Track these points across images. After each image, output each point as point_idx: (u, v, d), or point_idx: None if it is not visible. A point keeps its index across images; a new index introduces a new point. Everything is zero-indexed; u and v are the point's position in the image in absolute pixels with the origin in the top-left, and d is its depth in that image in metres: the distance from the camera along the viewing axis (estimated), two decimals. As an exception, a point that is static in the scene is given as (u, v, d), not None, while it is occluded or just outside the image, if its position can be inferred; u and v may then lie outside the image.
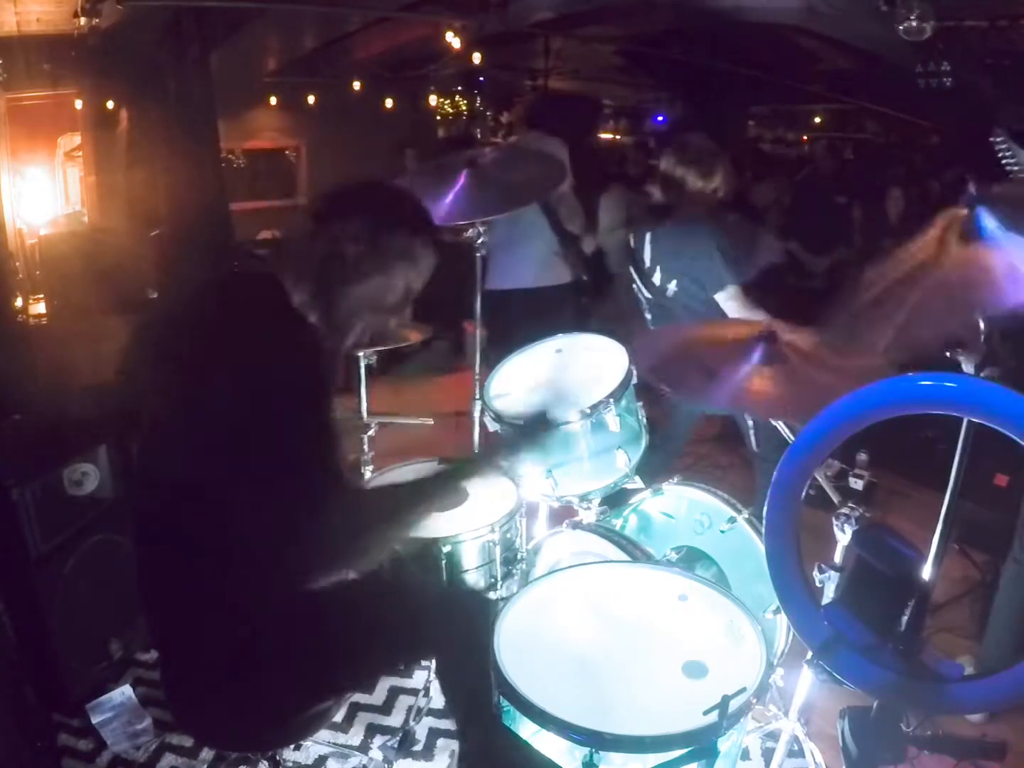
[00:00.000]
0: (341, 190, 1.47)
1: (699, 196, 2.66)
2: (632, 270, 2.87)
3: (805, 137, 10.41)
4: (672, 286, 2.69)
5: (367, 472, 2.86)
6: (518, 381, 2.43)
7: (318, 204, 1.45)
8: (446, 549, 1.96)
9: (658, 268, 2.73)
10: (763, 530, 1.34)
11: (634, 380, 2.20)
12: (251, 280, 1.44)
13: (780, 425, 1.97)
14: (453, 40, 5.73)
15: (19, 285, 5.20)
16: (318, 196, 1.49)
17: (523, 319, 3.28)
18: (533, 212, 3.43)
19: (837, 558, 1.57)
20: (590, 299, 3.63)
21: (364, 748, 2.20)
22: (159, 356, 1.40)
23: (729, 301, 2.61)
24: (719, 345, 1.80)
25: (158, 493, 1.38)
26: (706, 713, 1.31)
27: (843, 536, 1.50)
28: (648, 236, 2.76)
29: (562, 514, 2.37)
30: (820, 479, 1.64)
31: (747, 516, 2.10)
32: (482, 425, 2.41)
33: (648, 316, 2.91)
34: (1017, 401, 1.04)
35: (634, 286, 2.92)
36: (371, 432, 2.92)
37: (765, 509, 1.32)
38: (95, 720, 2.22)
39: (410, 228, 1.46)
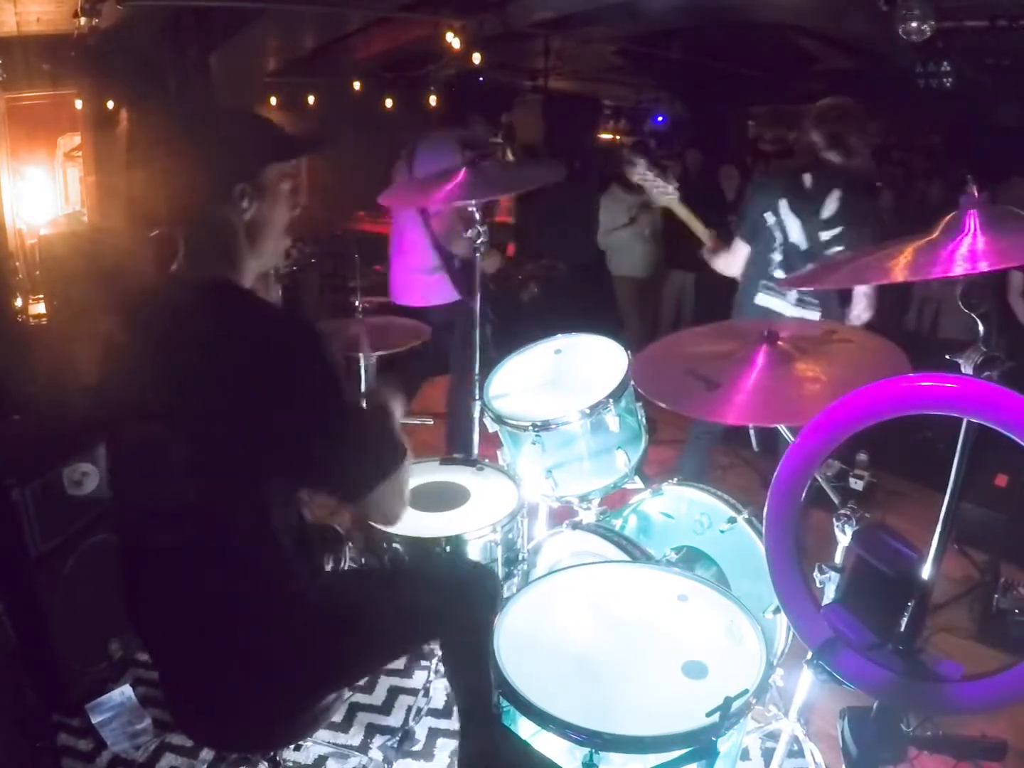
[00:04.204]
0: (200, 183, 1.38)
1: (871, 165, 2.69)
2: (792, 208, 2.71)
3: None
4: (836, 249, 2.63)
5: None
6: (517, 381, 2.43)
7: (202, 193, 1.38)
8: (448, 549, 1.96)
9: (839, 228, 2.63)
10: (763, 530, 1.34)
11: (633, 380, 2.20)
12: (214, 287, 1.38)
13: (780, 425, 1.97)
14: (453, 40, 5.74)
15: (19, 285, 5.19)
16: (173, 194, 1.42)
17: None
18: (414, 228, 3.37)
19: (837, 558, 1.57)
20: (495, 326, 3.53)
21: (364, 748, 2.21)
22: (146, 373, 1.34)
23: (864, 289, 2.59)
24: (719, 355, 1.79)
25: (154, 499, 1.37)
26: (709, 715, 1.31)
27: (843, 536, 1.50)
28: (838, 194, 2.63)
29: (562, 514, 2.38)
30: (820, 479, 1.64)
31: (747, 516, 2.10)
32: (482, 425, 2.41)
33: (777, 257, 2.76)
34: (1017, 401, 1.04)
35: (771, 218, 2.74)
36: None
37: (765, 509, 1.32)
38: (95, 720, 2.22)
39: (273, 153, 1.43)
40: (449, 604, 1.57)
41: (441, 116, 3.61)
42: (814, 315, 2.71)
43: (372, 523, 1.59)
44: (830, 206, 2.64)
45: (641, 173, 2.93)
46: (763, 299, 2.82)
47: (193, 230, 1.41)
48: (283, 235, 1.48)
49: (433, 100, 7.84)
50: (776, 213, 2.74)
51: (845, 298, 2.67)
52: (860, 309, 2.65)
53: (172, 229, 1.43)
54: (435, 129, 3.50)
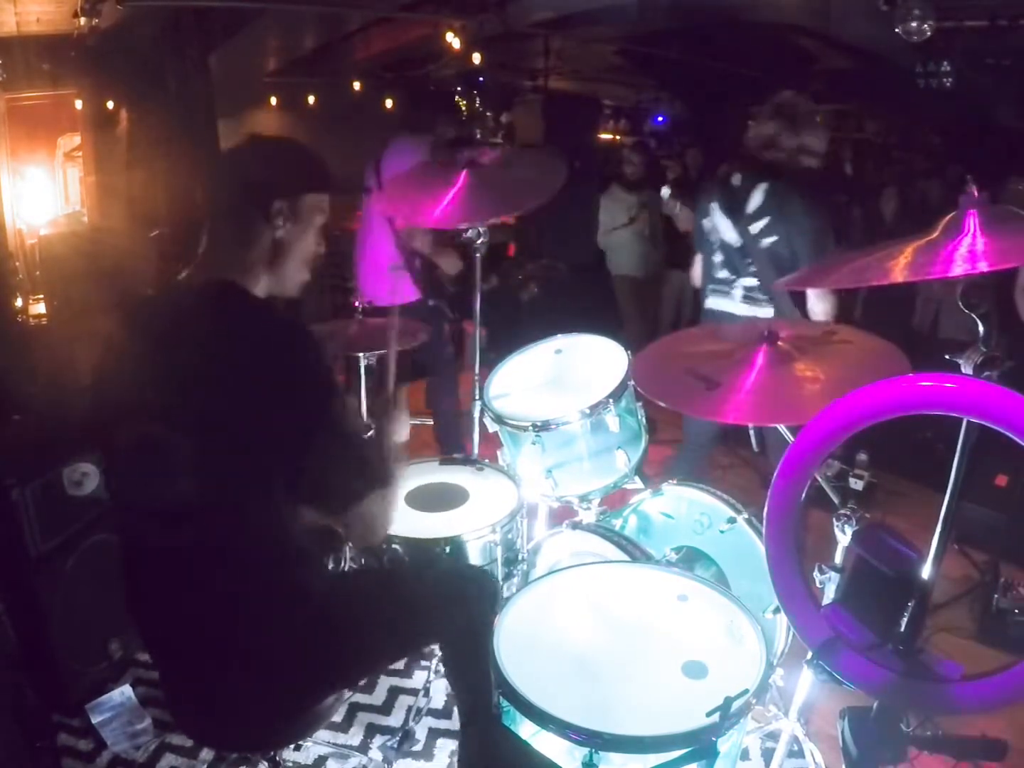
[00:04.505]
0: (246, 185, 1.44)
1: (813, 162, 2.67)
2: (721, 208, 2.75)
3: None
4: (769, 240, 2.63)
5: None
6: (518, 382, 2.43)
7: (240, 201, 1.44)
8: (448, 549, 1.96)
9: (766, 218, 2.63)
10: (763, 530, 1.34)
11: (632, 380, 2.20)
12: (215, 290, 1.40)
13: (780, 425, 1.97)
14: (453, 40, 5.73)
15: (19, 285, 5.19)
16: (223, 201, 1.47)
17: None
18: (378, 225, 3.36)
19: (837, 558, 1.57)
20: (454, 326, 3.57)
21: (364, 748, 2.20)
22: (146, 374, 1.34)
23: None
24: (719, 354, 1.80)
25: (155, 499, 1.37)
26: (709, 715, 1.31)
27: (843, 536, 1.50)
28: (765, 186, 2.66)
29: (562, 514, 2.38)
30: (820, 479, 1.64)
31: (747, 516, 2.10)
32: (482, 425, 2.41)
33: (718, 258, 2.79)
34: (1017, 401, 1.04)
35: (707, 223, 2.79)
36: (371, 432, 2.91)
37: (765, 509, 1.32)
38: (95, 720, 2.22)
39: (316, 184, 1.49)
40: (448, 605, 1.58)
41: (406, 120, 3.56)
42: (765, 312, 2.71)
43: (353, 539, 1.61)
44: (756, 199, 2.66)
45: (671, 207, 3.05)
46: (712, 301, 2.86)
47: (222, 234, 1.45)
48: (305, 267, 1.51)
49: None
50: (710, 217, 2.79)
51: (797, 293, 2.66)
52: (811, 303, 2.63)
53: (201, 227, 1.45)
54: (402, 133, 3.47)
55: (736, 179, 2.74)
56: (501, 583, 2.06)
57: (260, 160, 1.50)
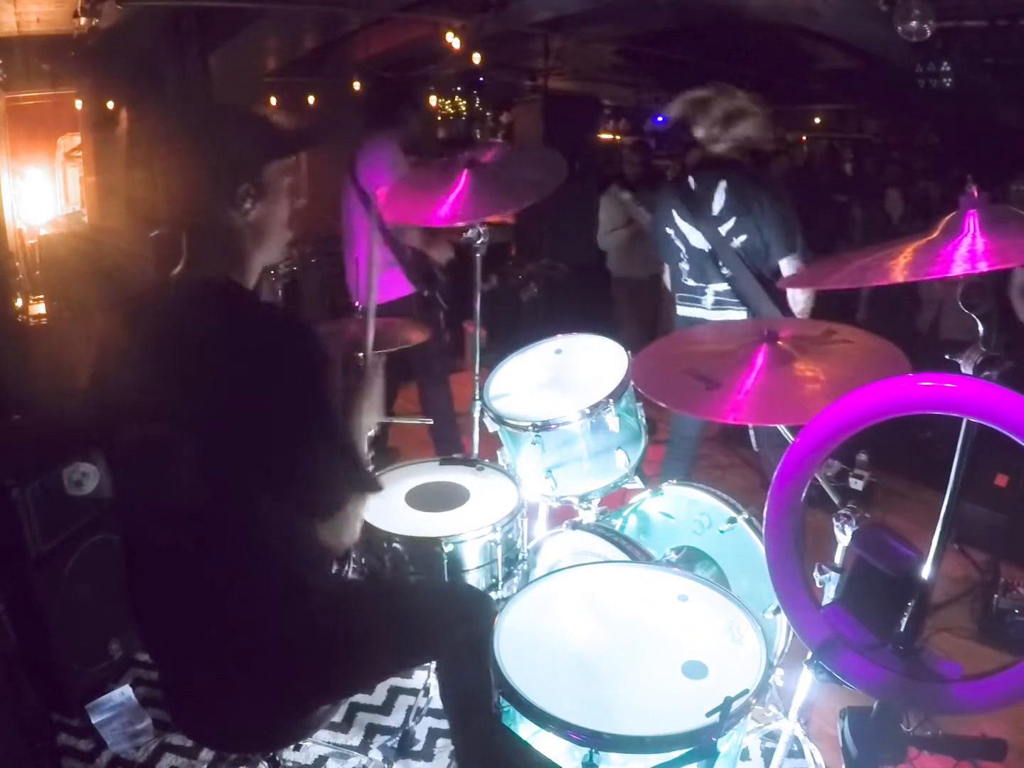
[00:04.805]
0: (200, 183, 1.38)
1: (770, 157, 2.69)
2: (683, 215, 2.72)
3: (804, 137, 10.43)
4: (740, 240, 2.61)
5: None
6: (518, 382, 2.43)
7: (205, 194, 1.39)
8: (448, 549, 1.96)
9: (732, 219, 2.61)
10: (763, 530, 1.34)
11: (632, 380, 2.20)
12: (213, 293, 1.37)
13: (780, 425, 1.97)
14: (453, 40, 5.73)
15: (19, 285, 5.20)
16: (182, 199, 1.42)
17: None
18: (363, 225, 3.32)
19: (837, 559, 1.57)
20: (449, 316, 3.57)
21: (364, 748, 2.21)
22: (145, 375, 1.32)
23: (791, 269, 2.59)
24: (719, 354, 1.80)
25: (156, 500, 1.36)
26: (709, 715, 1.31)
27: (843, 536, 1.50)
28: (723, 184, 2.63)
29: (562, 514, 2.38)
30: (820, 479, 1.64)
31: (747, 516, 2.10)
32: (482, 425, 2.41)
33: (685, 267, 2.76)
34: (1017, 401, 1.04)
35: (670, 231, 2.76)
36: (371, 432, 2.91)
37: (765, 509, 1.32)
38: (95, 720, 2.22)
39: (273, 151, 1.43)
40: (448, 623, 1.57)
41: (372, 117, 3.50)
42: (737, 315, 2.69)
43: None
44: (718, 200, 2.64)
45: (640, 212, 3.01)
46: (682, 310, 2.84)
47: (197, 233, 1.41)
48: (286, 229, 1.48)
49: (433, 100, 7.78)
50: (673, 225, 2.75)
51: (775, 293, 2.62)
52: (790, 291, 2.61)
53: (175, 232, 1.42)
54: (370, 132, 3.42)
55: (692, 183, 2.71)
56: (501, 583, 2.06)
57: (207, 151, 1.39)
